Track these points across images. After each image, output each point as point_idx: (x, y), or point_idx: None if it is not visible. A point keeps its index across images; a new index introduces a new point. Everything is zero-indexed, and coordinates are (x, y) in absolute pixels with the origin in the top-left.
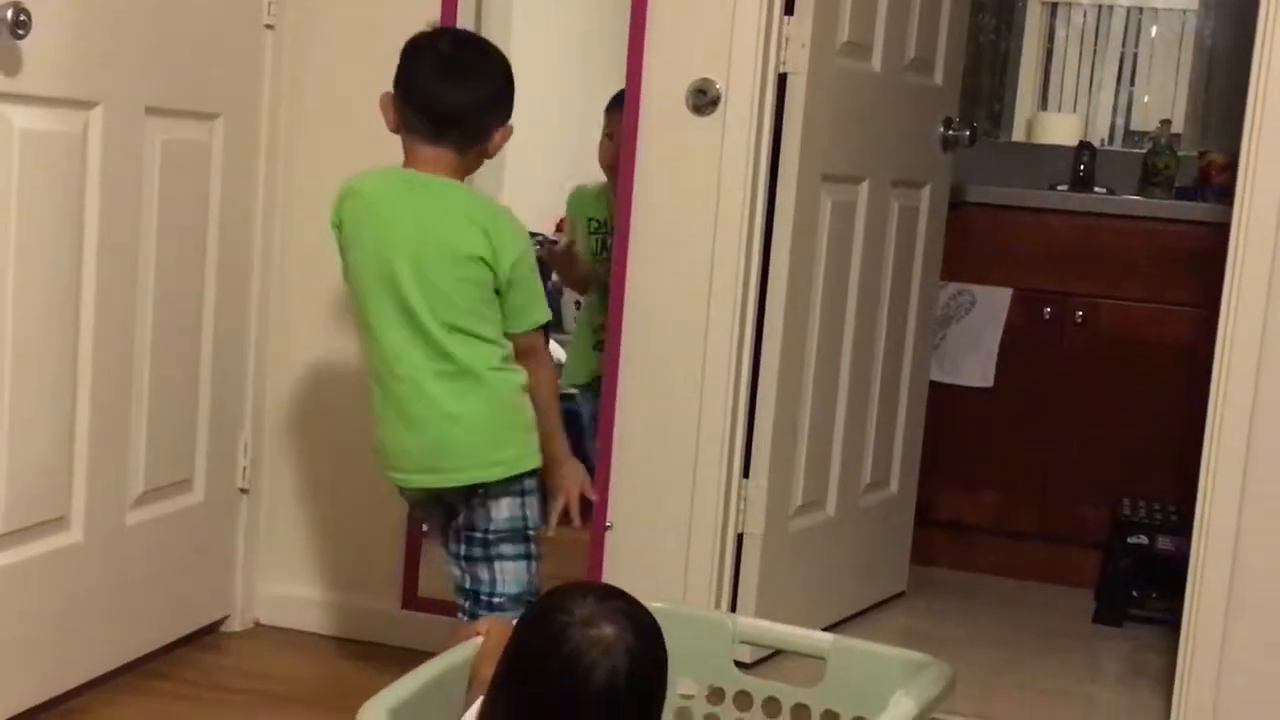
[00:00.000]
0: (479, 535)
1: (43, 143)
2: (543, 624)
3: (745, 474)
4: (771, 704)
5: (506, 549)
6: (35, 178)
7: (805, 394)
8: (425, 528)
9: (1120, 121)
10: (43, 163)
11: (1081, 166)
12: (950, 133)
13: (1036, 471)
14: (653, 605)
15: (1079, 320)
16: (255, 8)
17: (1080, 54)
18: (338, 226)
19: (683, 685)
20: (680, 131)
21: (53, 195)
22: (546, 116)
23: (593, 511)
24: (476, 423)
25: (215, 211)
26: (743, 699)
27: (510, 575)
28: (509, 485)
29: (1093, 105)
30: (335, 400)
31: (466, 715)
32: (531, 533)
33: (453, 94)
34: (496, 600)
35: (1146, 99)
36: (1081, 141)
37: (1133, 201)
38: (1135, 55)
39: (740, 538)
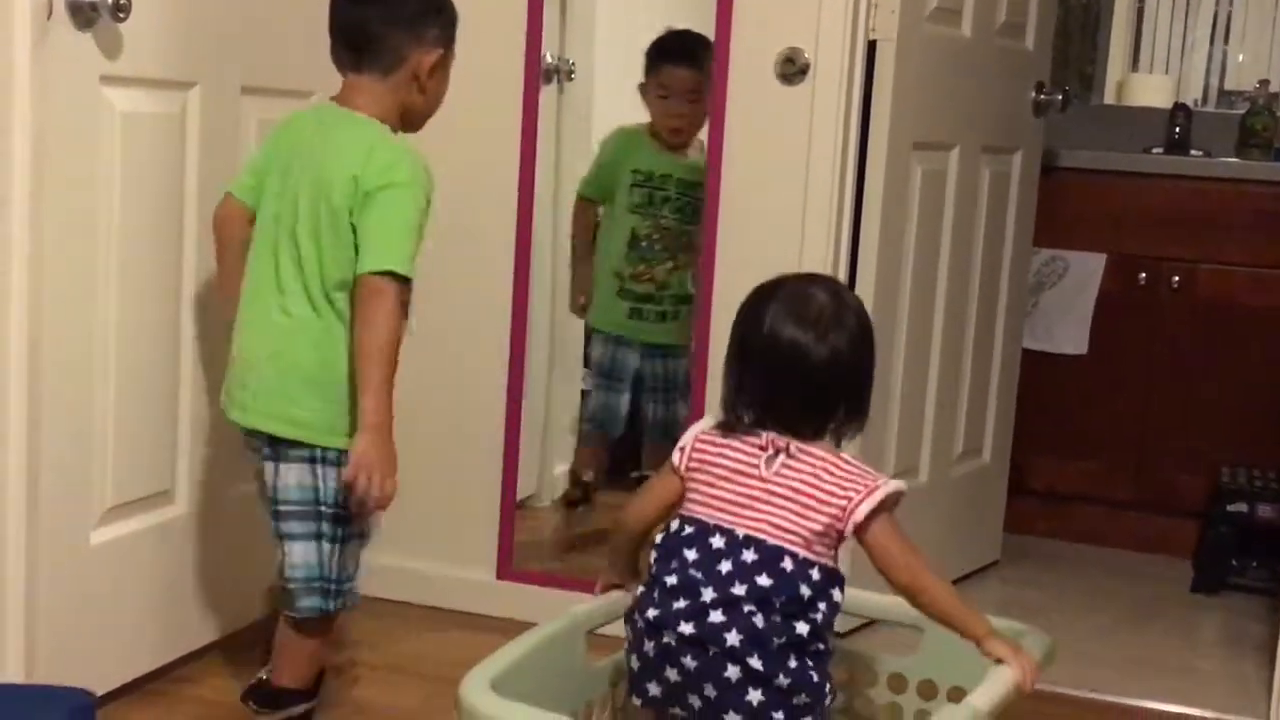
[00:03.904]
0: (272, 504)
1: (143, 124)
2: (758, 290)
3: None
4: (868, 673)
5: (294, 526)
6: (136, 159)
7: (897, 362)
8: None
9: (1214, 82)
10: (143, 144)
11: (1177, 129)
12: (1042, 97)
13: (1132, 439)
14: None
15: (1175, 285)
16: None
17: (1172, 13)
18: (262, 154)
19: None
20: (769, 101)
21: (153, 175)
22: (634, 87)
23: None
24: (292, 371)
25: None
26: (840, 667)
27: (298, 556)
28: (301, 449)
29: (1186, 66)
30: (430, 370)
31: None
32: (325, 510)
33: (358, 8)
34: (289, 585)
35: (1241, 58)
36: (1177, 103)
37: (1231, 164)
38: (1229, 13)
39: None
